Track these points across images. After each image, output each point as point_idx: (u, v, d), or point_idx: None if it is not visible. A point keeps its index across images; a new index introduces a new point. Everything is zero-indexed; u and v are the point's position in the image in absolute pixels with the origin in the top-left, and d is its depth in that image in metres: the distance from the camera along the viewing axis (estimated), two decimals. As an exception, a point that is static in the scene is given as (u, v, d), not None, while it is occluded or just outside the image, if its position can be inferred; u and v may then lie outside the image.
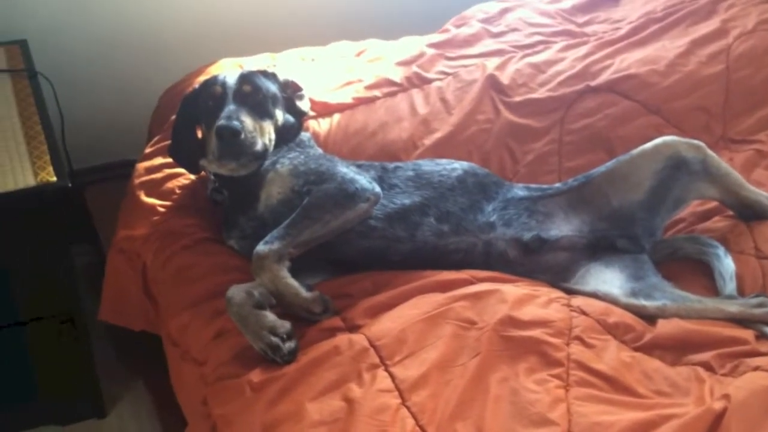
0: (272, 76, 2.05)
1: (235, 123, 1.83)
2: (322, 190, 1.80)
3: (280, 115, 2.00)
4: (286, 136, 2.01)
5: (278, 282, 1.69)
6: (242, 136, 1.83)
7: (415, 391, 1.51)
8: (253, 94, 1.93)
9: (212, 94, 1.93)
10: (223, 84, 1.93)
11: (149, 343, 2.10)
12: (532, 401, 1.49)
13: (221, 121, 1.83)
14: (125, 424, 2.22)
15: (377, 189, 1.85)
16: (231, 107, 1.87)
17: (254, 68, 2.10)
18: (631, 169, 1.94)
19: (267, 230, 1.77)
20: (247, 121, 1.87)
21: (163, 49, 2.83)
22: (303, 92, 2.13)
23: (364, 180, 1.85)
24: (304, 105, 2.12)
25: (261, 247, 1.71)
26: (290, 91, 2.09)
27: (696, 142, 1.96)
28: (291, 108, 2.07)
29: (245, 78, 1.95)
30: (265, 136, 1.92)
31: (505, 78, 2.37)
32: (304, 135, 2.08)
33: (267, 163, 1.92)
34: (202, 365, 1.70)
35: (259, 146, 1.88)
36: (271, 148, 1.94)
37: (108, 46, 2.78)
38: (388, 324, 1.65)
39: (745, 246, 1.93)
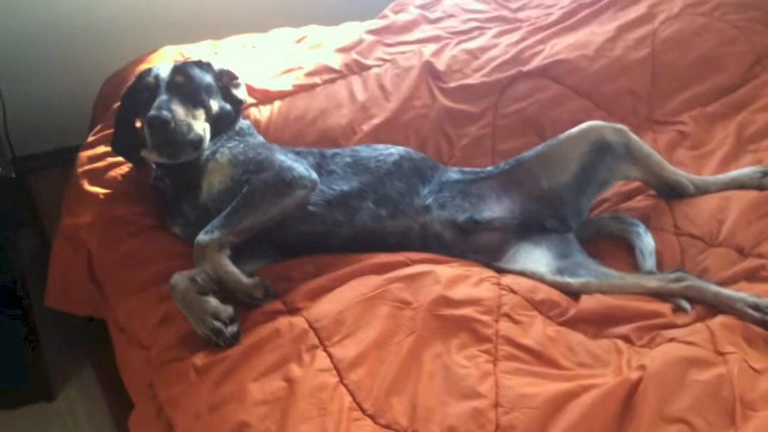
0: (207, 66, 2.08)
1: (165, 113, 1.85)
2: (260, 178, 1.86)
3: (215, 104, 2.02)
4: (224, 124, 2.04)
5: (219, 270, 1.75)
6: (172, 125, 1.86)
7: (353, 369, 1.59)
8: (185, 84, 1.96)
9: (146, 86, 1.96)
10: (156, 76, 1.96)
11: (96, 327, 2.14)
12: (463, 375, 1.58)
13: (152, 112, 1.86)
14: (74, 406, 2.26)
15: (314, 176, 1.91)
16: (163, 98, 1.90)
17: (190, 59, 2.13)
18: (560, 153, 2.03)
19: (210, 218, 1.82)
20: (179, 111, 1.89)
21: (106, 36, 2.83)
22: (239, 80, 2.15)
23: (301, 167, 1.90)
24: (240, 93, 2.15)
25: (202, 237, 1.76)
26: (226, 80, 2.11)
27: (619, 126, 2.06)
28: (227, 97, 2.10)
29: (178, 69, 1.98)
30: (200, 124, 1.95)
31: (441, 64, 2.45)
32: (244, 123, 2.12)
33: (207, 152, 1.96)
34: (148, 349, 1.75)
35: (192, 134, 1.91)
36: (207, 137, 1.97)
37: (50, 33, 2.77)
38: (327, 306, 1.72)
39: (665, 223, 2.05)
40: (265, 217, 1.83)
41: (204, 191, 1.93)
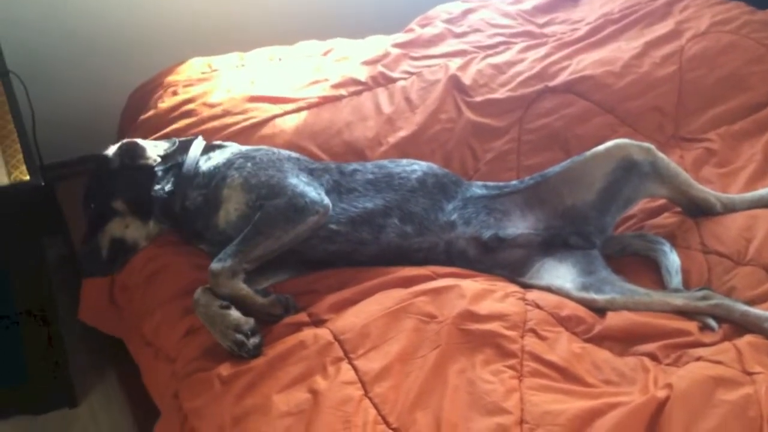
0: (104, 161, 2.04)
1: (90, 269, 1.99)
2: (272, 205, 1.83)
3: (129, 195, 1.98)
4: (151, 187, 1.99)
5: (235, 294, 1.75)
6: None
7: (378, 382, 1.59)
8: (96, 207, 2.00)
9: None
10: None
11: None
12: (488, 391, 1.57)
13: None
14: (97, 414, 2.27)
15: (326, 201, 1.88)
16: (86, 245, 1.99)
17: (94, 165, 2.09)
18: (585, 170, 2.02)
19: (233, 239, 1.82)
20: (105, 238, 1.97)
21: (134, 47, 2.86)
22: (141, 144, 2.03)
23: (313, 192, 1.88)
24: (152, 152, 2.03)
25: (215, 265, 1.76)
26: (128, 159, 2.02)
27: (646, 144, 2.04)
28: (137, 169, 2.01)
29: (88, 198, 2.03)
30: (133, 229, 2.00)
31: (467, 78, 2.45)
32: (247, 148, 2.07)
33: (216, 178, 1.93)
34: (173, 362, 1.76)
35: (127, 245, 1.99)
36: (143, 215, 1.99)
37: (79, 43, 2.81)
38: (352, 319, 1.73)
39: (692, 241, 2.03)
40: (278, 244, 1.82)
41: (222, 219, 1.91)
